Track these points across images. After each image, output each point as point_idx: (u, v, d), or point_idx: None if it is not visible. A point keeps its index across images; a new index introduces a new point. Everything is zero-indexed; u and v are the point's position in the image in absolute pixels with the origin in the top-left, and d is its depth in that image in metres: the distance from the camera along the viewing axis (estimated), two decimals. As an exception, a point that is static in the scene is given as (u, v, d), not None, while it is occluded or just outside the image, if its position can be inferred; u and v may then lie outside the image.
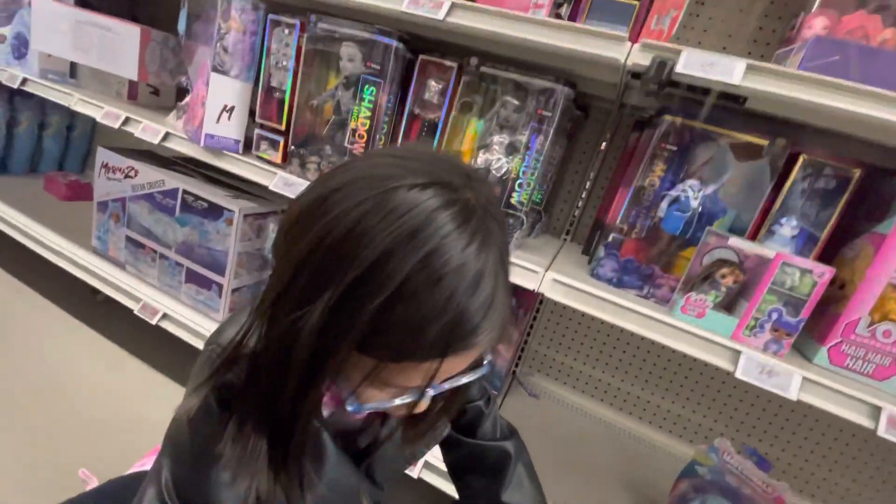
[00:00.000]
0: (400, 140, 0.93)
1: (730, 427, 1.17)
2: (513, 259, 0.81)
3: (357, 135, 0.90)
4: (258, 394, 0.34)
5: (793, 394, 0.64)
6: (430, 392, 0.35)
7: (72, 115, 1.77)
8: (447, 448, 0.60)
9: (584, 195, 1.14)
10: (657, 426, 1.24)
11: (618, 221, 0.85)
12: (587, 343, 1.27)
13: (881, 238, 0.70)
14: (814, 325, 0.77)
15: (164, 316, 1.13)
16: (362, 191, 0.30)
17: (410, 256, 0.28)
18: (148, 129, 1.05)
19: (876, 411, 0.62)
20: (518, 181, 0.85)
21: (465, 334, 0.31)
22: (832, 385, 0.64)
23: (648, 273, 0.82)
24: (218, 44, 0.95)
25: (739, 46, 0.99)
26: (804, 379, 0.65)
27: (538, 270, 0.79)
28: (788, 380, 0.65)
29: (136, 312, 1.15)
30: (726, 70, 0.60)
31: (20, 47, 1.25)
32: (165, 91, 1.39)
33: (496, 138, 0.87)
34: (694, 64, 0.61)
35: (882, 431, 0.61)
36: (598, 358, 1.27)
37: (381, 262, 0.28)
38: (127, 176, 1.19)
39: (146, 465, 0.69)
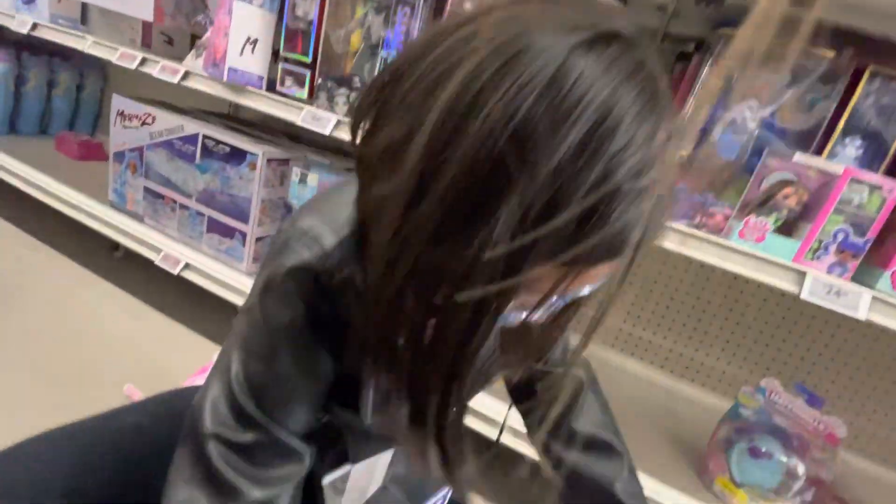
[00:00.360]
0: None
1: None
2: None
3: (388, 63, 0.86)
4: (407, 314, 0.28)
5: (862, 313, 0.61)
6: (561, 302, 0.30)
7: (81, 75, 1.73)
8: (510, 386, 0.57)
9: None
10: (689, 379, 1.21)
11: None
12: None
13: (956, 153, 0.65)
14: (874, 251, 0.73)
15: (187, 266, 1.11)
16: (517, 59, 0.22)
17: (594, 159, 0.22)
18: (166, 69, 1.01)
19: (953, 329, 0.59)
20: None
21: (635, 238, 0.25)
22: (904, 304, 0.61)
23: (700, 202, 0.78)
24: (239, -28, 0.90)
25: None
26: (874, 298, 0.62)
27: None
28: (857, 299, 0.62)
29: (157, 263, 1.12)
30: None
31: (29, -9, 1.20)
32: (179, 40, 1.34)
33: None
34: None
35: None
36: (629, 311, 1.24)
37: (561, 173, 0.22)
38: (144, 123, 1.15)
39: (197, 381, 0.67)
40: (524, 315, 0.28)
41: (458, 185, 0.23)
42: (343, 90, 0.90)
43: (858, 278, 0.74)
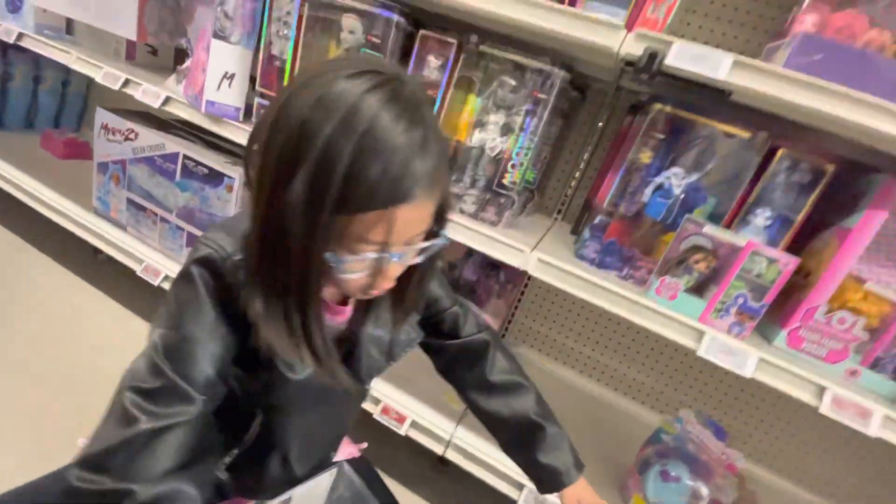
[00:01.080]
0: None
1: (698, 399, 1.25)
2: (502, 238, 0.85)
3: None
4: (270, 265, 0.42)
5: (748, 372, 0.70)
6: (395, 258, 0.43)
7: (67, 71, 1.75)
8: (438, 356, 0.69)
9: (577, 175, 1.17)
10: (631, 397, 1.32)
11: (605, 204, 0.89)
12: (570, 318, 1.33)
13: (846, 232, 0.74)
14: (777, 310, 0.82)
15: (167, 277, 1.18)
16: (307, 91, 0.38)
17: (350, 137, 0.36)
18: (148, 93, 1.05)
19: (821, 391, 0.69)
20: (511, 162, 0.88)
21: (405, 191, 0.38)
22: (784, 365, 0.70)
23: (629, 255, 0.86)
24: (219, 8, 0.94)
25: (741, 34, 1.00)
26: (760, 359, 0.71)
27: (525, 250, 0.83)
28: (745, 359, 0.71)
29: (138, 273, 1.19)
30: (714, 65, 0.62)
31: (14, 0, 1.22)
32: (164, 51, 1.38)
33: (492, 118, 0.89)
34: (684, 56, 0.64)
35: (824, 409, 0.68)
36: (581, 332, 1.33)
37: (328, 148, 0.36)
38: (127, 138, 1.20)
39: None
40: (360, 257, 0.41)
41: (277, 166, 0.38)
42: (313, 129, 0.96)
43: (761, 332, 0.83)
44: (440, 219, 0.48)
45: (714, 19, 1.01)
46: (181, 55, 1.17)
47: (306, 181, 0.37)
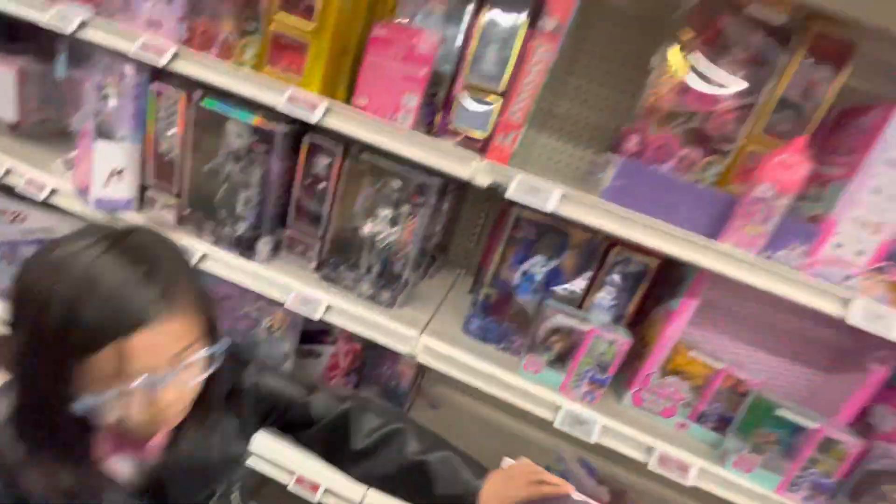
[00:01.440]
0: (294, 204, 1.00)
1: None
2: (391, 326, 0.93)
3: (249, 204, 0.96)
4: (27, 418, 0.45)
5: (593, 439, 0.84)
6: (163, 382, 0.43)
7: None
8: (316, 448, 0.67)
9: (473, 243, 1.28)
10: (537, 426, 1.47)
11: (487, 280, 0.99)
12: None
13: (670, 313, 0.89)
14: (627, 373, 0.97)
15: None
16: (37, 258, 0.44)
17: (65, 288, 0.39)
18: (32, 184, 1.03)
19: (649, 450, 0.84)
20: (398, 253, 0.97)
21: (134, 318, 0.41)
22: (621, 430, 0.85)
23: (505, 331, 0.98)
24: (100, 104, 0.94)
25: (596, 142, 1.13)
26: (603, 427, 0.85)
27: (413, 335, 0.92)
28: (592, 427, 0.85)
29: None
30: (545, 198, 0.74)
31: None
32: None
33: (381, 211, 0.97)
34: (521, 189, 0.74)
35: (652, 466, 0.83)
36: (490, 372, 1.46)
37: (44, 303, 0.39)
38: (14, 220, 1.16)
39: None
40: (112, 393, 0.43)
41: (15, 316, 0.43)
42: (210, 223, 0.99)
43: (615, 391, 0.98)
44: (212, 330, 0.49)
45: (580, 103, 1.14)
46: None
47: (28, 337, 0.40)
